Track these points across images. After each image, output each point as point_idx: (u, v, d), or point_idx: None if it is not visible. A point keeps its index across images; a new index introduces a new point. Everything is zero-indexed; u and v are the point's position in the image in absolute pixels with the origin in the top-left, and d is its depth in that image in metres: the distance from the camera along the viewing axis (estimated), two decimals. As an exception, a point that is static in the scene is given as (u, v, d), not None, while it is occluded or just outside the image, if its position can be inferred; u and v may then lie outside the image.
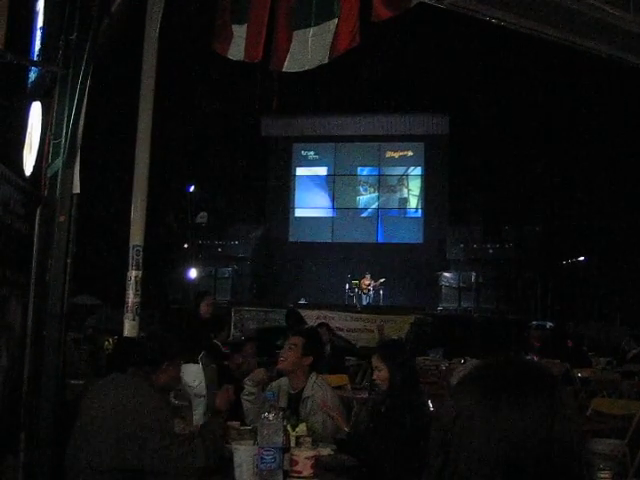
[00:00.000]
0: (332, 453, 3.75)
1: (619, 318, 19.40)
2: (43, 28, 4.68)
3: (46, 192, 4.45)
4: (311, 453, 3.25)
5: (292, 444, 3.49)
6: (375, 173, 27.43)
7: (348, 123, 26.68)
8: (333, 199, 27.46)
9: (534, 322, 18.65)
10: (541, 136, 21.70)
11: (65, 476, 3.35)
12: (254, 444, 3.21)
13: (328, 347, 9.64)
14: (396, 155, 27.23)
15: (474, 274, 23.29)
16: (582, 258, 22.80)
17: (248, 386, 4.69)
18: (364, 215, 27.36)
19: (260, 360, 10.23)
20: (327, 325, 10.85)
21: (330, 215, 27.40)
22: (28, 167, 4.53)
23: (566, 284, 21.92)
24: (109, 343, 10.45)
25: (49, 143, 4.50)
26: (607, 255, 20.76)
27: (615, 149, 19.67)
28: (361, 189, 27.46)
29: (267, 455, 3.07)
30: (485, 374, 1.37)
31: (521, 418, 1.26)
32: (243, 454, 3.18)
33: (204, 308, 8.33)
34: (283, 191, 27.40)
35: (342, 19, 5.45)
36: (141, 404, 3.25)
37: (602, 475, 2.87)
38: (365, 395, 6.81)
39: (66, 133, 4.31)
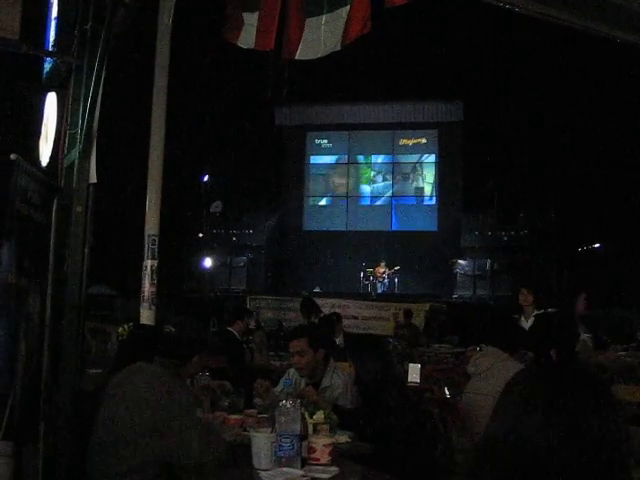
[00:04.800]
0: (349, 440, 3.76)
1: (636, 304, 19.25)
2: (58, 18, 4.68)
3: (63, 182, 4.46)
4: (329, 440, 3.26)
5: (310, 431, 3.51)
6: (389, 161, 27.38)
7: (362, 111, 26.63)
8: (347, 187, 27.43)
9: (549, 309, 18.55)
10: (556, 122, 21.54)
11: (89, 466, 3.33)
12: (272, 431, 3.22)
13: (341, 337, 9.50)
14: (410, 143, 27.16)
15: (489, 261, 23.25)
16: (598, 245, 22.66)
17: (259, 404, 4.65)
18: (378, 203, 27.33)
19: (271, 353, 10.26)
20: (337, 315, 10.25)
21: (344, 203, 27.38)
22: (44, 157, 4.55)
23: (582, 271, 21.77)
24: (124, 329, 10.40)
25: (65, 133, 4.51)
26: (623, 241, 20.61)
27: (632, 134, 19.49)
28: (375, 177, 27.42)
29: (285, 442, 3.09)
30: None
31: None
32: (261, 441, 3.19)
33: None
34: (297, 179, 27.41)
35: (354, 6, 5.42)
36: (171, 395, 3.20)
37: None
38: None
39: (82, 123, 4.31)
